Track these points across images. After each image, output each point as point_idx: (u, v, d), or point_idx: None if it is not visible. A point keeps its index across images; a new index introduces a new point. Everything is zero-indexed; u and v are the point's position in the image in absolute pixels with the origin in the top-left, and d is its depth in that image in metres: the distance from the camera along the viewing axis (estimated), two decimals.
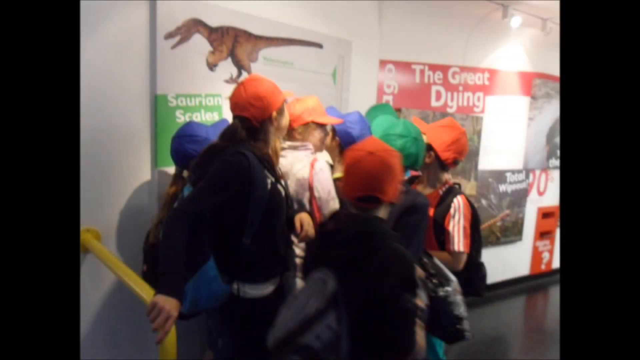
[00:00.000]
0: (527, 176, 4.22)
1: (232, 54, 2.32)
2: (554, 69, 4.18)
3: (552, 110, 4.26)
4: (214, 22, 2.22)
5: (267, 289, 1.58)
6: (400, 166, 1.33)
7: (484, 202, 3.93)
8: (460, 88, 3.62)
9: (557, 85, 4.23)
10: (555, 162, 4.45)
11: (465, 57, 3.60)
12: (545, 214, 4.47)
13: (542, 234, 4.50)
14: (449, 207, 1.91)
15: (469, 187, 3.80)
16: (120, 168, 2.06)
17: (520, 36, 3.83)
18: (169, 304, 1.19)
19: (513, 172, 4.10)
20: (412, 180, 2.12)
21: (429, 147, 1.95)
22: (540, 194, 4.42)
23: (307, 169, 1.77)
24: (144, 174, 2.14)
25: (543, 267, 4.61)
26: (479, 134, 3.77)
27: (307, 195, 1.77)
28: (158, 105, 2.10)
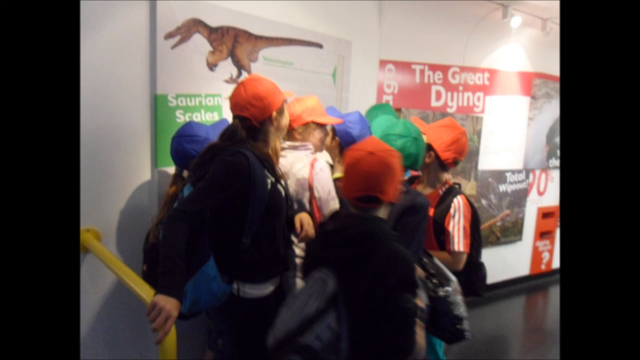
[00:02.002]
0: (527, 176, 4.22)
1: (232, 54, 2.32)
2: (554, 69, 4.19)
3: (552, 110, 4.27)
4: (214, 22, 2.22)
5: (267, 289, 1.58)
6: (400, 166, 1.33)
7: (484, 202, 3.93)
8: (460, 88, 3.62)
9: (557, 85, 4.23)
10: (555, 162, 4.45)
11: (465, 57, 3.60)
12: (545, 214, 4.48)
13: (542, 234, 4.51)
14: (449, 207, 1.91)
15: (469, 187, 3.80)
16: (120, 168, 2.06)
17: (520, 36, 3.84)
18: (169, 304, 1.20)
19: (513, 172, 4.10)
20: (412, 180, 2.12)
21: (429, 147, 1.95)
22: (540, 194, 4.43)
23: (307, 169, 1.77)
24: (144, 174, 2.14)
25: (543, 267, 4.61)
26: (479, 134, 3.77)
27: (307, 195, 1.77)
28: (158, 105, 2.10)
